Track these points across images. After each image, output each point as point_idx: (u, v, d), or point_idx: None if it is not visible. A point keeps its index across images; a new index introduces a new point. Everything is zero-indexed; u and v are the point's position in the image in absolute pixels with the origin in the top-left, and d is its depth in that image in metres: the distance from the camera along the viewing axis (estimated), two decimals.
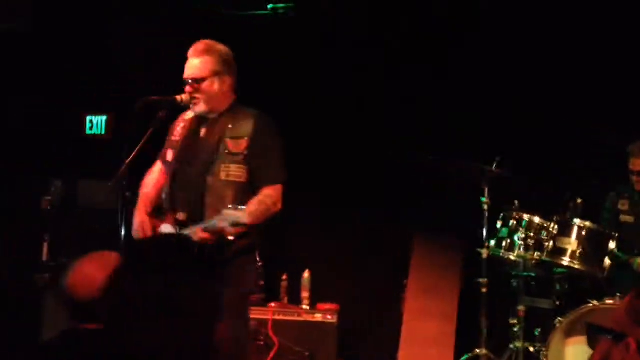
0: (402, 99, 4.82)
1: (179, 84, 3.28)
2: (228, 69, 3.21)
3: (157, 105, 3.26)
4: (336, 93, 4.86)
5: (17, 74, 4.96)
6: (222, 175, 3.09)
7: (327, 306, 4.68)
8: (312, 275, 4.79)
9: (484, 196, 4.10)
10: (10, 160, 4.98)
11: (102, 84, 4.97)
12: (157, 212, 3.34)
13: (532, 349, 4.10)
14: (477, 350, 4.11)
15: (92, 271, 2.00)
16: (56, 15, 4.91)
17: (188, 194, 3.16)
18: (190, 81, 3.16)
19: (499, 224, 4.13)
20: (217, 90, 3.17)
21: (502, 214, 4.13)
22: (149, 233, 3.22)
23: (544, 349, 3.95)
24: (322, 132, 4.86)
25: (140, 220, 3.28)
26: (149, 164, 3.45)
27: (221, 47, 3.22)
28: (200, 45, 3.19)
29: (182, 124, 3.33)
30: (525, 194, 4.10)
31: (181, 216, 3.14)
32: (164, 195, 3.28)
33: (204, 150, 3.18)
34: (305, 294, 4.76)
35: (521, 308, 4.06)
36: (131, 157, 3.20)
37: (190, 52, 3.20)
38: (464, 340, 4.44)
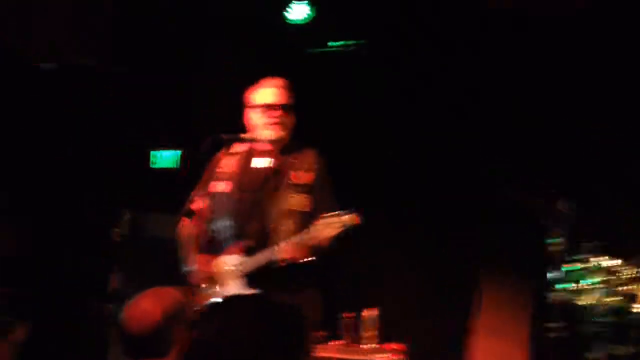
0: (472, 133, 4.76)
1: (242, 121, 3.37)
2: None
3: (224, 142, 3.34)
4: (402, 126, 4.85)
5: (91, 109, 5.16)
6: (288, 205, 3.19)
7: (394, 346, 4.57)
8: (377, 313, 4.70)
9: (554, 237, 3.97)
10: (82, 192, 5.16)
11: (173, 120, 5.11)
12: (210, 246, 3.35)
13: None
14: None
15: (149, 307, 2.02)
16: (129, 52, 5.09)
17: (254, 222, 3.21)
18: (277, 106, 3.28)
19: (570, 267, 3.98)
20: (290, 122, 3.33)
21: (572, 256, 3.99)
22: (206, 271, 3.27)
23: None
24: (389, 170, 4.84)
25: (195, 260, 3.31)
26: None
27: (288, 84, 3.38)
28: (279, 80, 3.35)
29: (231, 157, 3.36)
30: (598, 235, 3.95)
31: (250, 244, 3.20)
32: (219, 227, 3.29)
33: (266, 181, 3.26)
34: (370, 333, 4.67)
35: (595, 355, 3.88)
36: (197, 190, 3.27)
37: (270, 82, 3.34)
38: None
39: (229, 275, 3.23)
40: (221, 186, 3.30)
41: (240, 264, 3.19)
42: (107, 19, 4.52)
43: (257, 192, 3.25)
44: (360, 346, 4.57)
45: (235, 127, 3.43)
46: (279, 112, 3.27)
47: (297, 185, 3.21)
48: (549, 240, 3.94)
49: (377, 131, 4.88)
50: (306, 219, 3.16)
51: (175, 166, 5.31)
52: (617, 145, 4.45)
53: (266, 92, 3.31)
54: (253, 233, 3.20)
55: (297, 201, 3.19)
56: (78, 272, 4.97)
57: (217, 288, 3.23)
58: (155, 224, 4.96)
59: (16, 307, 2.67)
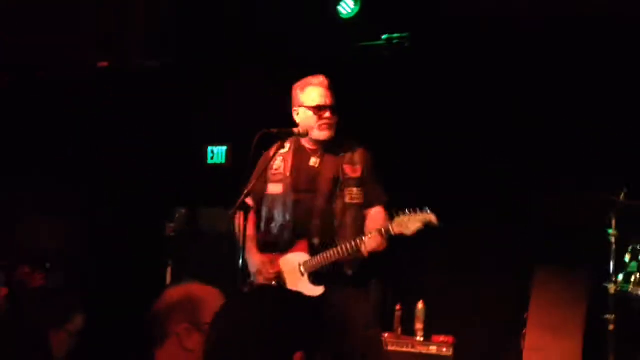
0: (523, 127, 4.68)
1: (290, 115, 3.41)
2: None
3: (275, 137, 3.37)
4: (453, 120, 4.80)
5: (145, 107, 5.26)
6: (347, 199, 3.32)
7: (442, 338, 4.57)
8: (426, 306, 4.70)
9: (611, 227, 3.88)
10: (137, 189, 5.27)
11: (222, 115, 5.17)
12: (268, 246, 3.43)
13: None
14: None
15: (163, 295, 2.07)
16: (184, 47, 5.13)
17: (317, 220, 3.31)
18: (329, 107, 3.36)
19: (627, 258, 3.89)
20: (337, 120, 3.42)
21: (630, 247, 3.89)
22: (272, 270, 3.34)
23: None
24: (436, 165, 4.80)
25: (260, 260, 3.38)
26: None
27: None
28: (323, 78, 3.40)
29: (280, 158, 3.43)
30: None
31: (315, 242, 3.31)
32: (276, 227, 3.38)
33: (324, 179, 3.35)
34: (419, 325, 4.67)
35: None
36: (249, 186, 3.30)
37: (319, 82, 3.39)
38: None
39: (296, 273, 3.31)
40: (276, 188, 3.41)
41: (309, 261, 3.28)
42: (160, 14, 4.59)
43: (313, 190, 3.35)
44: (411, 338, 4.58)
45: (283, 121, 3.47)
46: (329, 114, 3.35)
47: (351, 179, 3.33)
48: (609, 230, 3.86)
49: (424, 126, 4.84)
50: (361, 210, 3.32)
51: (224, 162, 5.37)
52: None
53: (316, 93, 3.38)
54: (316, 231, 3.30)
55: (354, 194, 3.32)
56: (133, 267, 5.08)
57: (287, 287, 3.29)
58: (209, 218, 5.02)
59: (73, 298, 2.74)
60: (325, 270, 3.26)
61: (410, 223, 3.15)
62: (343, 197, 3.31)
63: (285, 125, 3.40)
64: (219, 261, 4.87)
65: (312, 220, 3.31)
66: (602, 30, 4.39)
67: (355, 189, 3.32)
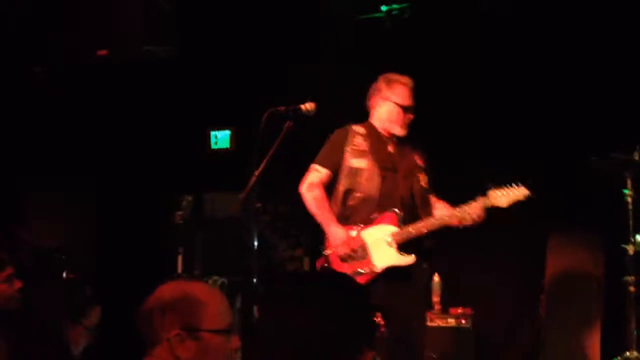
0: (534, 91, 4.62)
1: (297, 96, 3.39)
2: None
3: (283, 116, 3.31)
4: (456, 90, 4.74)
5: (148, 96, 5.19)
6: (423, 183, 3.56)
7: (460, 310, 4.55)
8: (442, 278, 4.67)
9: (627, 188, 3.83)
10: (144, 178, 5.22)
11: (224, 99, 5.10)
12: (346, 218, 3.49)
13: None
14: (627, 353, 3.84)
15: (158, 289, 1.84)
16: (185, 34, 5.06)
17: (400, 197, 3.48)
18: (411, 109, 3.58)
19: None
20: None
21: None
22: (356, 246, 3.43)
23: None
24: (442, 136, 4.74)
25: (345, 232, 3.45)
26: (278, 174, 3.48)
27: None
28: (410, 80, 3.59)
29: (360, 137, 3.58)
30: None
31: (402, 215, 3.46)
32: (360, 200, 3.48)
33: (403, 162, 3.56)
34: (436, 299, 4.65)
35: None
36: (261, 168, 3.24)
37: (407, 82, 3.58)
38: (612, 343, 4.16)
39: (383, 245, 3.40)
40: (361, 162, 3.53)
41: (399, 232, 3.41)
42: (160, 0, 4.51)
43: (395, 170, 3.53)
44: (429, 312, 4.55)
45: (285, 102, 3.41)
46: (411, 116, 3.57)
47: (421, 167, 3.59)
48: (625, 191, 3.81)
49: (427, 97, 4.77)
50: (426, 195, 3.59)
51: (228, 146, 5.32)
52: None
53: (406, 93, 3.57)
54: (401, 205, 3.47)
55: (424, 180, 3.57)
56: (144, 256, 5.04)
57: (371, 258, 3.41)
58: (216, 204, 4.98)
59: (87, 292, 2.69)
60: (411, 242, 3.42)
61: (507, 197, 3.40)
62: (418, 180, 3.55)
63: (288, 105, 3.36)
64: (230, 247, 4.85)
65: (397, 196, 3.48)
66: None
67: (424, 176, 3.58)
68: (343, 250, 3.41)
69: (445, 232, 4.77)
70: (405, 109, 3.56)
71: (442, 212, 3.52)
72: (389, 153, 3.58)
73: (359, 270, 3.38)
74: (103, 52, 4.39)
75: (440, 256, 4.75)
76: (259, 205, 3.40)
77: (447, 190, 3.66)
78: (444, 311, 4.60)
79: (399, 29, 4.47)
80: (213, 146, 5.26)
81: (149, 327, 1.81)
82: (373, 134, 3.59)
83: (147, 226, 5.16)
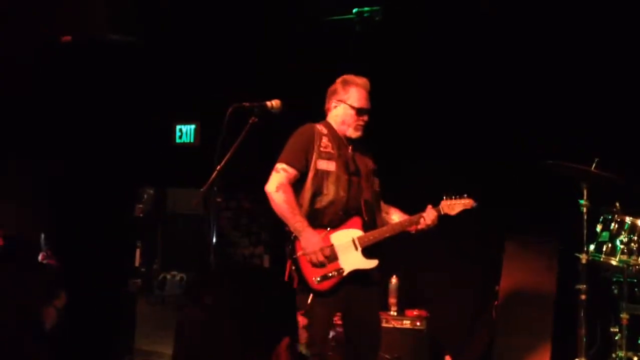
0: (495, 99, 4.69)
1: (263, 92, 3.40)
2: None
3: (247, 111, 3.30)
4: (423, 93, 4.79)
5: (109, 85, 5.13)
6: (376, 186, 3.61)
7: (416, 312, 4.61)
8: (399, 281, 4.72)
9: (582, 198, 3.92)
10: (104, 169, 5.15)
11: (190, 94, 5.07)
12: (314, 220, 3.45)
13: (635, 359, 3.89)
14: None
15: None
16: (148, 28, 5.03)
17: (364, 201, 3.50)
18: (367, 111, 3.57)
19: (599, 228, 3.94)
20: None
21: (602, 217, 3.94)
22: (327, 247, 3.41)
23: None
24: (408, 136, 4.79)
25: (319, 242, 3.41)
26: (241, 170, 3.47)
27: None
28: (367, 81, 3.59)
29: (325, 138, 3.56)
30: (627, 195, 3.89)
31: (367, 219, 3.49)
32: (327, 203, 3.46)
33: (363, 165, 3.58)
34: (392, 300, 4.71)
35: (624, 316, 3.85)
36: (222, 163, 3.23)
37: (364, 84, 3.57)
38: (562, 350, 4.26)
39: (350, 248, 3.43)
40: (329, 165, 3.51)
41: (364, 236, 3.44)
42: None
43: (359, 174, 3.55)
44: (384, 313, 4.60)
45: (252, 97, 3.41)
46: (366, 119, 3.56)
47: (374, 170, 3.63)
48: (580, 201, 3.89)
49: (395, 98, 4.82)
50: (379, 199, 3.62)
51: (192, 141, 5.29)
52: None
53: (361, 95, 3.56)
54: (365, 210, 3.49)
55: (377, 184, 3.62)
56: (103, 249, 4.98)
57: (339, 262, 3.42)
58: (178, 199, 4.95)
59: (58, 275, 2.71)
60: (375, 246, 3.47)
61: (456, 206, 3.55)
62: (374, 184, 3.60)
63: (254, 101, 3.35)
64: (190, 242, 4.82)
65: (362, 200, 3.50)
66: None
67: (377, 179, 3.63)
68: (317, 258, 3.38)
69: (406, 237, 4.85)
70: (359, 111, 3.54)
71: (401, 217, 3.59)
72: (350, 156, 3.58)
73: (328, 274, 3.39)
74: (67, 38, 4.32)
75: (399, 259, 4.82)
76: (220, 200, 3.40)
77: (401, 195, 3.69)
78: (400, 313, 4.65)
79: (369, 31, 4.50)
80: (177, 140, 5.23)
81: None
82: (335, 136, 3.58)
83: (106, 218, 5.10)
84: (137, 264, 4.92)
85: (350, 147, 3.58)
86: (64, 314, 2.47)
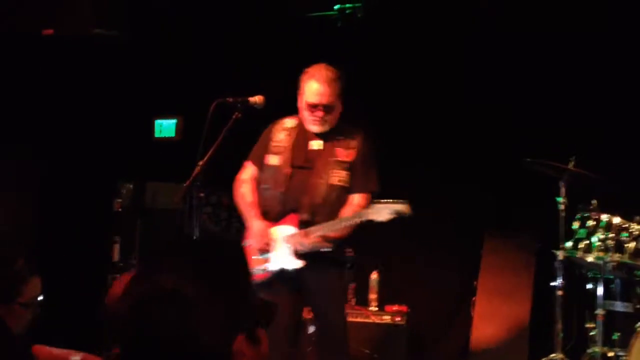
0: (475, 96, 4.72)
1: (246, 87, 3.42)
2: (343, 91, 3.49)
3: (230, 107, 3.30)
4: (403, 90, 4.81)
5: (88, 78, 5.07)
6: (334, 180, 3.41)
7: (396, 308, 4.63)
8: (380, 276, 4.74)
9: (560, 195, 3.98)
10: (82, 163, 5.10)
11: (171, 88, 5.04)
12: (263, 214, 3.48)
13: (611, 354, 3.95)
14: (553, 355, 3.99)
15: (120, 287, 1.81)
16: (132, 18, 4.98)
17: (308, 196, 3.39)
18: (322, 107, 3.41)
19: (575, 225, 3.98)
20: (338, 112, 3.49)
21: (579, 214, 3.99)
22: (266, 237, 3.40)
23: (623, 354, 3.80)
24: (392, 133, 4.81)
25: (259, 225, 3.42)
26: (223, 165, 3.47)
27: (340, 72, 3.49)
28: (329, 72, 3.43)
29: (284, 132, 3.51)
30: (604, 193, 3.95)
31: (304, 217, 3.40)
32: (269, 197, 3.45)
33: (319, 158, 3.44)
34: (373, 296, 4.73)
35: (600, 312, 3.91)
36: (205, 158, 3.23)
37: (320, 77, 3.41)
38: (538, 345, 4.32)
39: (281, 246, 3.40)
40: (274, 160, 3.48)
41: (295, 235, 3.37)
42: None
43: (309, 168, 3.44)
44: (365, 308, 4.62)
45: (235, 92, 3.41)
46: (320, 114, 3.41)
47: (341, 162, 3.42)
48: (558, 198, 3.95)
49: (376, 96, 4.83)
50: (345, 194, 3.43)
51: (173, 135, 5.25)
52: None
53: (312, 90, 3.41)
54: (306, 207, 3.38)
55: (341, 177, 3.41)
56: (81, 243, 4.93)
57: (270, 258, 3.41)
58: (157, 193, 4.91)
59: (17, 266, 2.55)
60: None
61: (384, 211, 3.31)
62: (332, 178, 3.40)
63: (237, 96, 3.36)
64: (168, 237, 4.79)
65: (304, 196, 3.39)
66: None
67: (343, 172, 3.41)
68: (256, 243, 3.39)
69: (385, 232, 4.88)
70: (309, 106, 3.42)
71: (346, 213, 3.42)
72: (309, 150, 3.47)
73: (260, 268, 3.38)
74: (49, 31, 4.27)
75: (380, 255, 4.85)
76: (201, 195, 3.39)
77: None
78: (380, 308, 4.68)
79: (351, 28, 4.50)
80: (157, 134, 5.18)
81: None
82: (301, 129, 3.51)
83: (85, 212, 5.05)
84: (115, 259, 4.87)
85: (317, 139, 3.46)
86: (38, 307, 2.33)
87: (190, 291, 1.29)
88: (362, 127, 3.57)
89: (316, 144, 3.48)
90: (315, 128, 3.46)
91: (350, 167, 3.44)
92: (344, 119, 3.54)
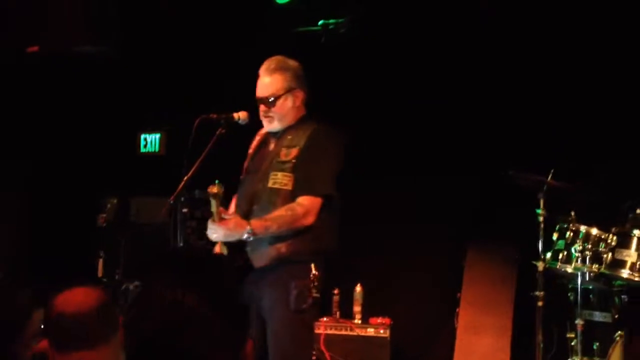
0: (454, 111, 4.79)
1: (234, 102, 3.36)
2: (300, 83, 3.21)
3: (214, 123, 3.32)
4: (387, 101, 4.86)
5: (73, 93, 5.09)
6: (270, 183, 3.11)
7: (380, 320, 4.67)
8: (364, 289, 4.78)
9: (539, 207, 4.04)
10: (66, 178, 5.10)
11: (156, 103, 5.06)
12: None
13: None
14: None
15: (83, 298, 1.91)
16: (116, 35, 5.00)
17: (249, 203, 3.20)
18: (263, 100, 3.18)
19: (555, 236, 4.06)
20: (290, 106, 3.19)
21: (558, 226, 4.06)
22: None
23: None
24: (373, 143, 4.86)
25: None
26: (207, 181, 3.49)
27: (292, 62, 3.24)
28: (272, 63, 3.21)
29: (257, 138, 3.41)
30: (582, 205, 4.03)
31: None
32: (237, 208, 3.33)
33: (264, 161, 3.24)
34: (357, 308, 4.75)
35: (579, 322, 3.97)
36: (190, 173, 3.25)
37: (262, 70, 3.21)
38: (520, 355, 4.37)
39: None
40: (244, 166, 3.38)
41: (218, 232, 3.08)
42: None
43: (253, 172, 3.28)
44: (349, 321, 4.65)
45: (220, 107, 3.43)
46: (263, 108, 3.18)
47: (282, 163, 3.12)
48: (537, 210, 4.02)
49: (360, 108, 4.89)
50: (290, 198, 3.07)
51: (157, 150, 5.27)
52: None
53: (258, 83, 3.22)
54: (242, 213, 3.19)
55: (277, 179, 3.10)
56: (65, 258, 4.93)
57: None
58: (141, 209, 4.92)
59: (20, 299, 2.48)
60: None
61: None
62: (270, 181, 3.11)
63: (221, 111, 3.35)
64: (152, 252, 4.80)
65: (246, 203, 3.20)
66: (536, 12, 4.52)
67: (279, 174, 3.08)
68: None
69: (370, 244, 4.91)
70: (257, 101, 3.19)
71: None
72: (265, 152, 3.25)
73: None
74: (34, 48, 4.27)
75: (363, 268, 4.89)
76: (185, 211, 3.41)
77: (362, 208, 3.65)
78: (364, 321, 4.71)
79: (334, 43, 4.55)
80: (142, 149, 5.20)
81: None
82: (266, 134, 3.31)
83: (68, 227, 5.05)
84: (100, 274, 4.86)
85: (275, 140, 3.21)
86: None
87: (191, 302, 1.33)
88: (321, 123, 3.20)
89: (272, 146, 3.24)
90: (265, 126, 3.22)
91: (293, 167, 3.08)
92: (317, 118, 3.23)
